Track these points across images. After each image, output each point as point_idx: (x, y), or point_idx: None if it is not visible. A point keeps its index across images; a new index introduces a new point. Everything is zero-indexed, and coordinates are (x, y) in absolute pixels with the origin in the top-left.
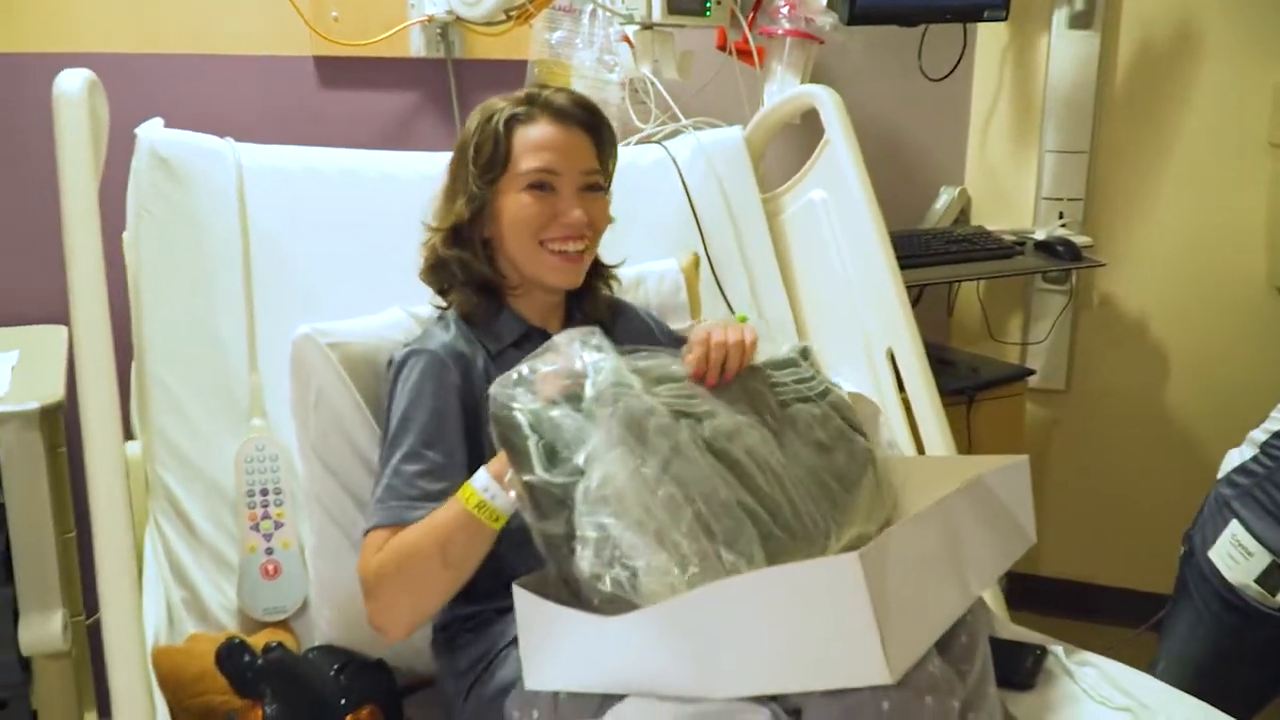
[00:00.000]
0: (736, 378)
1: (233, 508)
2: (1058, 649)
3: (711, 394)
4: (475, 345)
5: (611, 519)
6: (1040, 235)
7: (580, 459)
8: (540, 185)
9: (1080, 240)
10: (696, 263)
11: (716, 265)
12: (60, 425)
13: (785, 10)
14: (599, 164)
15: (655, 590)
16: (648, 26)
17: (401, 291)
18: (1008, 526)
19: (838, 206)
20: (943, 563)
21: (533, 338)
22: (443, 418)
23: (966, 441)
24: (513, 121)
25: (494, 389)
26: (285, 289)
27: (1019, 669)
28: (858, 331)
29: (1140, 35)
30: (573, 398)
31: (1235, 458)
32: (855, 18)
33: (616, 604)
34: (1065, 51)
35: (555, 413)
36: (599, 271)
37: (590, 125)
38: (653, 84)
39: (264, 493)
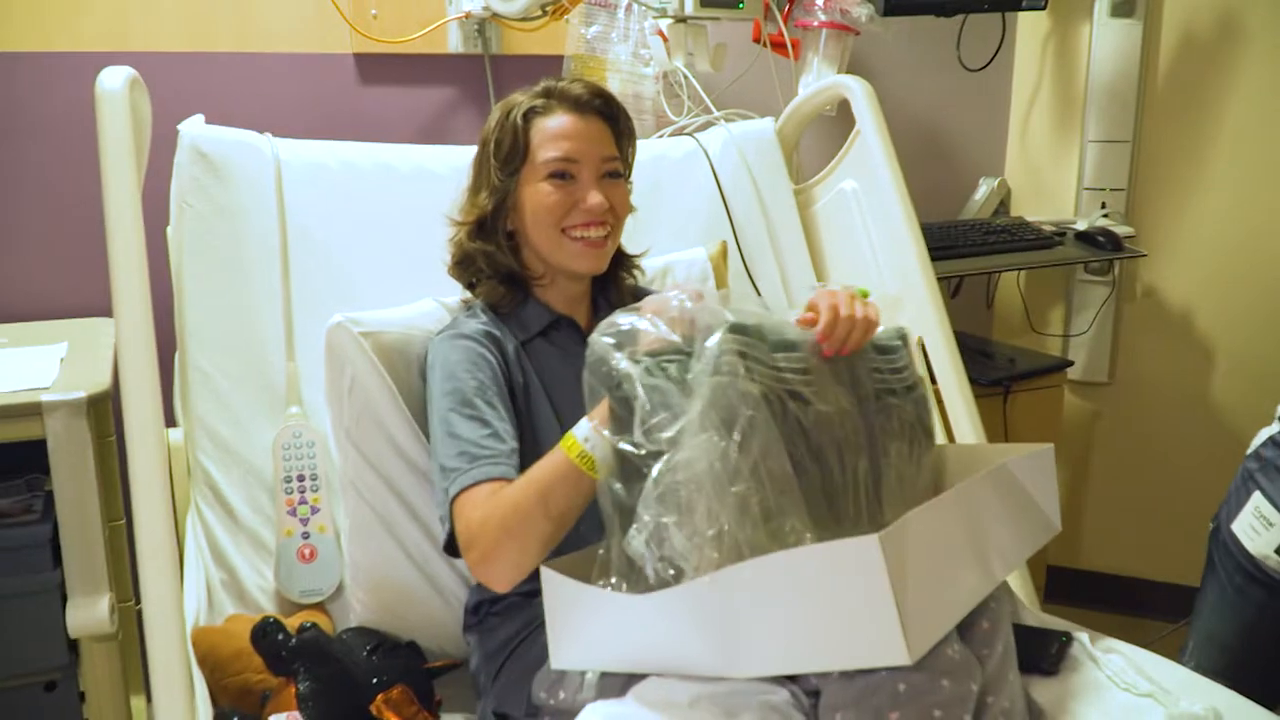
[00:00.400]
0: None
1: (270, 493)
2: (1083, 636)
3: (824, 365)
4: (505, 331)
5: (671, 518)
6: (1081, 226)
7: (670, 432)
8: (560, 174)
9: (1122, 231)
10: (724, 251)
11: (748, 256)
12: (109, 415)
13: (820, 2)
14: (617, 151)
15: None
16: (681, 20)
17: (435, 283)
18: (1032, 513)
19: (869, 197)
20: (964, 547)
21: (560, 326)
22: (487, 388)
23: (1003, 433)
24: (531, 114)
25: (594, 339)
26: (322, 280)
27: (1044, 655)
28: (888, 320)
29: (1183, 23)
30: (677, 361)
31: (1265, 435)
32: (891, 8)
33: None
34: (1107, 40)
35: (656, 380)
36: (623, 261)
37: (607, 113)
38: (686, 77)
39: (300, 478)
